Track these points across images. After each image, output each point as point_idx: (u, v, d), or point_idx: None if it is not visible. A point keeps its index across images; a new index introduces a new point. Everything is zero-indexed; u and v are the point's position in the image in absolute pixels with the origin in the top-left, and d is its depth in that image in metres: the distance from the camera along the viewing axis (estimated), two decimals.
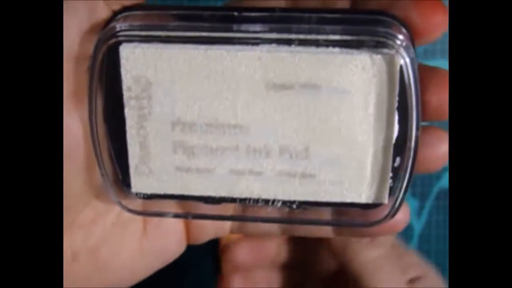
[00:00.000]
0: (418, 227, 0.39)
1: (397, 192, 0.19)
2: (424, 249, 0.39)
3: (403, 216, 0.20)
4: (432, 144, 0.19)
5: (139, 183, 0.20)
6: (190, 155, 0.19)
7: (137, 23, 0.18)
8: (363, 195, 0.19)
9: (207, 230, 0.22)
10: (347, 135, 0.19)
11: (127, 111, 0.19)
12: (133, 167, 0.20)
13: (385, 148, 0.19)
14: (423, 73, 0.18)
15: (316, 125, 0.19)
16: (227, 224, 0.22)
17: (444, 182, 0.38)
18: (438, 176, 0.39)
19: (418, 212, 0.39)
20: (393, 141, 0.19)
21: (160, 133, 0.19)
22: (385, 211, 0.19)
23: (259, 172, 0.19)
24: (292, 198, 0.20)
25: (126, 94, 0.19)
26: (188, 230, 0.22)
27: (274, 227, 0.22)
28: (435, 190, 0.39)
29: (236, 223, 0.22)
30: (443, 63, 0.32)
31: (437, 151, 0.19)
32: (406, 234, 0.39)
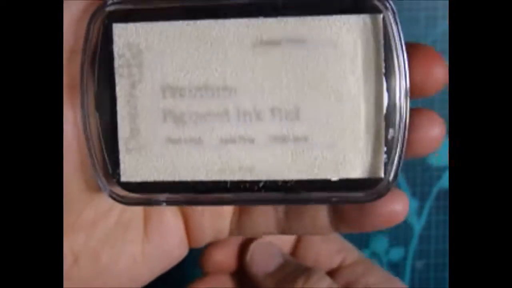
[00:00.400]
0: (418, 227, 0.39)
1: (391, 165, 0.19)
2: (424, 249, 0.39)
3: (401, 207, 0.20)
4: (423, 126, 0.19)
5: (128, 163, 0.20)
6: (180, 124, 0.19)
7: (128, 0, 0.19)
8: (358, 169, 0.19)
9: (206, 232, 0.22)
10: (336, 97, 0.19)
11: (117, 84, 0.19)
12: (122, 146, 0.20)
13: (376, 115, 0.19)
14: (407, 49, 0.18)
15: (305, 87, 0.19)
16: (226, 227, 0.22)
17: (444, 182, 0.38)
18: (438, 176, 0.39)
19: (418, 212, 0.39)
20: (384, 108, 0.19)
21: (149, 101, 0.19)
22: (380, 186, 0.19)
23: (251, 140, 0.19)
24: (285, 176, 0.19)
25: (117, 62, 0.19)
26: (187, 231, 0.22)
27: (272, 227, 0.22)
28: (435, 190, 0.39)
29: (234, 224, 0.22)
30: None
31: (429, 133, 0.19)
32: (406, 234, 0.39)
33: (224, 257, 0.27)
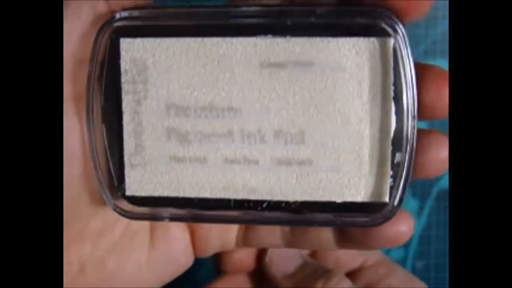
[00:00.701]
0: (418, 227, 0.39)
1: (396, 190, 0.19)
2: (424, 249, 0.39)
3: (406, 228, 0.20)
4: (432, 148, 0.19)
5: (133, 178, 0.20)
6: (184, 143, 0.19)
7: (136, 14, 0.19)
8: (363, 192, 0.19)
9: (213, 242, 0.22)
10: (343, 120, 0.19)
11: (124, 99, 0.19)
12: (127, 160, 0.20)
13: (383, 139, 0.19)
14: (417, 70, 0.18)
15: (311, 109, 0.19)
16: (233, 237, 0.22)
17: (444, 182, 0.38)
18: (438, 176, 0.39)
19: (418, 212, 0.39)
20: (391, 132, 0.18)
21: (154, 120, 0.19)
22: (385, 211, 0.19)
23: (255, 161, 0.19)
24: (289, 197, 0.19)
25: (123, 78, 0.19)
26: (194, 242, 0.22)
27: (278, 240, 0.22)
28: (435, 190, 0.39)
29: (241, 237, 0.22)
30: (443, 63, 0.32)
31: (437, 155, 0.19)
32: None
33: (243, 256, 0.27)
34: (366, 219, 0.19)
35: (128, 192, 0.20)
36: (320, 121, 0.19)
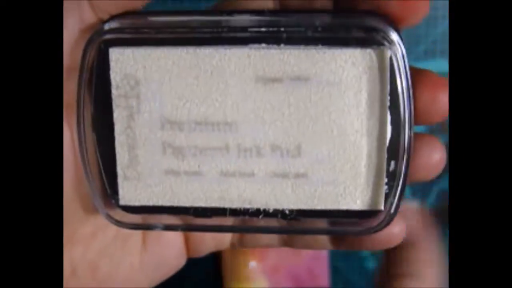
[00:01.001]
0: None
1: (393, 198, 0.19)
2: None
3: (399, 230, 0.20)
4: (424, 151, 0.19)
5: (127, 189, 0.20)
6: (179, 156, 0.19)
7: (126, 24, 0.18)
8: (358, 201, 0.19)
9: (207, 243, 0.22)
10: (339, 131, 0.18)
11: (115, 111, 0.19)
12: (121, 171, 0.19)
13: (379, 149, 0.19)
14: (411, 75, 0.18)
15: (307, 120, 0.18)
16: (227, 237, 0.22)
17: (444, 183, 0.38)
18: (438, 176, 0.39)
19: None
20: (387, 141, 0.18)
21: (148, 134, 0.19)
22: (380, 219, 0.19)
23: (251, 174, 0.19)
24: (285, 206, 0.19)
25: (114, 92, 0.19)
26: (187, 243, 0.22)
27: (273, 240, 0.22)
28: (435, 190, 0.39)
29: (236, 236, 0.22)
30: (443, 63, 0.32)
31: (431, 159, 0.19)
32: None
33: None
34: (361, 228, 0.19)
35: (121, 202, 0.20)
36: (316, 132, 0.19)
